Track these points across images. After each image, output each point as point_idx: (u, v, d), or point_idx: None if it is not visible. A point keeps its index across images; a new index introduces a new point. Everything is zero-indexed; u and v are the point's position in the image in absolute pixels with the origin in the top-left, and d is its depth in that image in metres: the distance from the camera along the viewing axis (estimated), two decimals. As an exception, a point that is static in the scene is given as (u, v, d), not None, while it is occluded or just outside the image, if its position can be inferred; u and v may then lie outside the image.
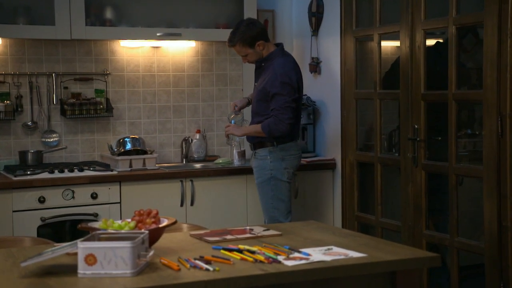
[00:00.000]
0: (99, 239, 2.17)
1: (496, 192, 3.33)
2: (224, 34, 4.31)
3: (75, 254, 2.11)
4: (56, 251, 2.13)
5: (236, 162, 4.50)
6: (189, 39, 4.62)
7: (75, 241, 2.12)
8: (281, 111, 3.86)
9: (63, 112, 4.43)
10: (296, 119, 4.01)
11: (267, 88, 3.90)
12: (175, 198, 4.26)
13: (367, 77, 4.43)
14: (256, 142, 4.05)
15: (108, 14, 4.38)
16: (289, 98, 3.87)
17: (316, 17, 4.69)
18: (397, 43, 4.02)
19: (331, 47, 4.57)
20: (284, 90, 3.86)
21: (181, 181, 4.27)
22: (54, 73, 4.43)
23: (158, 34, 4.43)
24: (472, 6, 3.88)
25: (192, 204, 4.29)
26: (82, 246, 2.07)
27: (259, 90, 3.99)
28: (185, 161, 4.74)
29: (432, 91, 3.77)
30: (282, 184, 4.00)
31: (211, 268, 2.14)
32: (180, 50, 4.77)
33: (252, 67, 4.20)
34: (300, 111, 4.07)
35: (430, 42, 4.34)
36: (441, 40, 4.26)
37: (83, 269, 2.06)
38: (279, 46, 4.07)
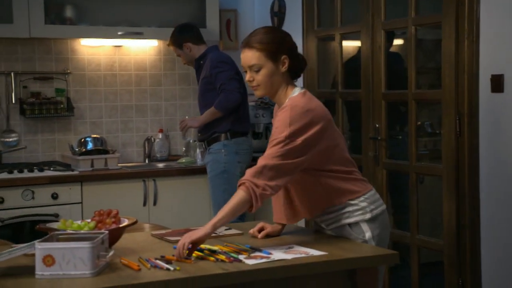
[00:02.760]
0: (58, 240, 2.15)
1: (455, 191, 3.38)
2: (186, 33, 4.29)
3: (33, 255, 2.08)
4: (14, 252, 2.10)
5: (199, 162, 4.50)
6: (151, 38, 4.59)
7: (32, 242, 2.09)
8: (227, 83, 4.03)
9: (22, 112, 4.36)
10: (244, 113, 4.13)
11: (208, 74, 4.07)
12: (137, 198, 4.23)
13: (329, 76, 4.46)
14: (211, 138, 4.13)
15: (68, 12, 4.34)
16: (231, 72, 4.07)
17: (278, 17, 4.71)
18: (359, 43, 4.05)
19: (293, 47, 4.57)
20: (224, 67, 4.06)
21: (144, 180, 4.24)
22: (13, 72, 4.36)
23: (119, 33, 4.40)
24: (431, 7, 3.93)
25: (155, 204, 4.27)
26: (40, 247, 2.04)
27: (201, 82, 4.16)
28: (148, 161, 4.71)
29: (393, 91, 3.81)
30: (235, 178, 4.03)
31: (171, 268, 2.13)
32: (142, 49, 4.73)
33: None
34: (246, 102, 4.19)
35: (398, 41, 4.40)
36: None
37: (41, 270, 2.03)
38: (214, 46, 4.28)
